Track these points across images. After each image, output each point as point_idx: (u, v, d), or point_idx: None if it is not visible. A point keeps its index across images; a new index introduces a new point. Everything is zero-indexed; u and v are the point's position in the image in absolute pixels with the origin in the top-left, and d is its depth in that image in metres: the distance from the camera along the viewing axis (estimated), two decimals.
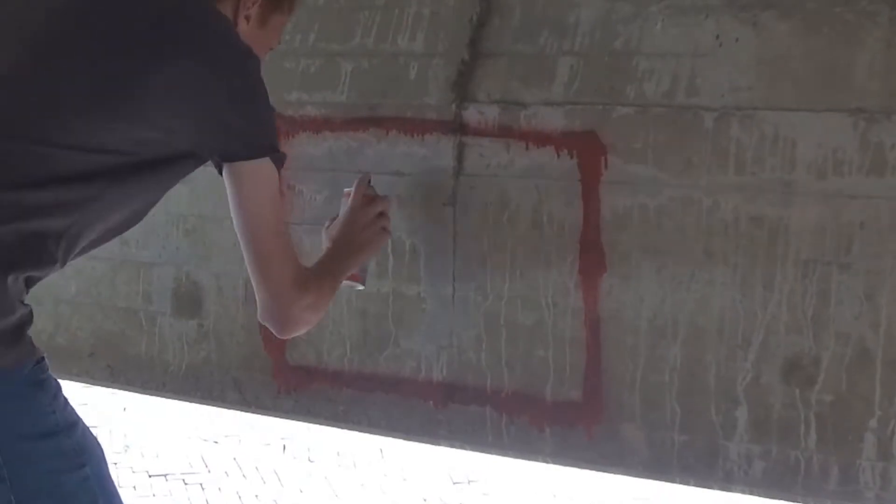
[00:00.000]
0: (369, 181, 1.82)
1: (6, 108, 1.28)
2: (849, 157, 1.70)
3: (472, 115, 1.97)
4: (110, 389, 2.33)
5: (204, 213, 2.22)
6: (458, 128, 1.98)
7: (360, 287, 1.87)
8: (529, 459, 2.04)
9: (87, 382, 2.44)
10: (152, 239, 2.28)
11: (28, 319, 1.32)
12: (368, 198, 1.80)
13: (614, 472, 1.96)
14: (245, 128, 1.42)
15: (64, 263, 1.37)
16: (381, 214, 1.77)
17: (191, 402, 2.38)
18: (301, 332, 1.56)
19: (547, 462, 2.01)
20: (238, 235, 1.50)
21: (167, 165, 1.44)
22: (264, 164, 1.45)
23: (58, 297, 2.38)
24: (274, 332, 1.57)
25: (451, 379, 2.03)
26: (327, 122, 2.09)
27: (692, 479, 1.86)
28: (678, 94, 1.80)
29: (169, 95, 1.33)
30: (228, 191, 1.48)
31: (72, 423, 1.30)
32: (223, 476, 4.35)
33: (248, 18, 1.55)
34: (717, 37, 1.78)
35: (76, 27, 1.33)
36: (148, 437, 4.56)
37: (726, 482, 1.83)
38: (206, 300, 2.26)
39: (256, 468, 4.48)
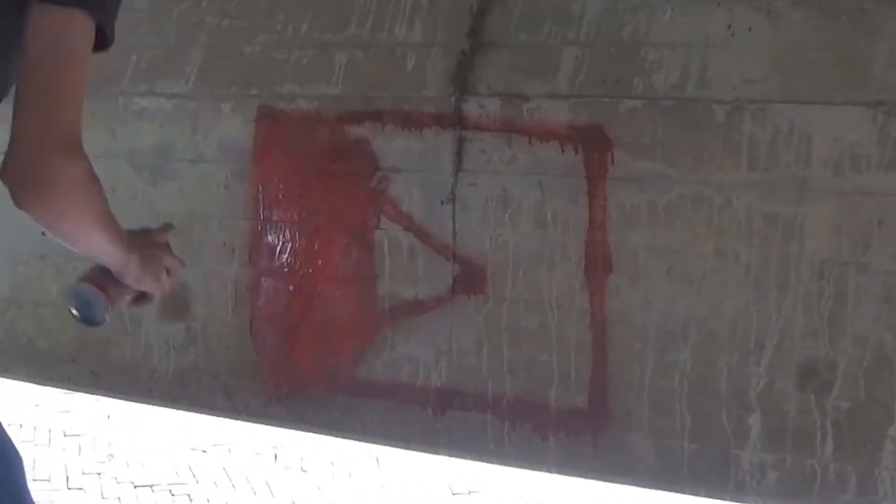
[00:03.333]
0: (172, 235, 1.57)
1: None
2: (867, 152, 1.70)
3: (472, 108, 1.97)
4: (94, 396, 2.33)
5: (192, 211, 2.22)
6: (458, 122, 1.98)
7: (97, 323, 1.47)
8: (533, 469, 2.05)
9: (70, 389, 2.44)
10: None
11: None
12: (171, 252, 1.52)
13: (621, 483, 1.96)
14: None
15: None
16: (171, 272, 1.49)
17: (178, 409, 2.38)
18: (42, 205, 1.22)
19: (551, 472, 2.01)
20: (24, 79, 1.22)
21: None
22: (75, 15, 1.22)
23: (38, 299, 2.38)
24: (13, 190, 1.21)
25: (450, 385, 2.03)
26: (321, 115, 2.10)
27: (703, 490, 1.86)
28: (688, 86, 1.80)
29: None
30: (29, 27, 1.22)
31: None
32: (212, 487, 4.35)
33: None
34: (730, 26, 1.78)
35: None
36: (133, 445, 4.56)
37: (738, 492, 1.83)
38: (194, 303, 2.26)
39: (247, 478, 4.48)
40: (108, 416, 4.39)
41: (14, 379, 2.60)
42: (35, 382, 2.53)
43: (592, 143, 1.88)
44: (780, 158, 1.75)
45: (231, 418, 2.31)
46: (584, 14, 1.87)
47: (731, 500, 1.85)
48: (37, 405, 4.27)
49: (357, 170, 2.06)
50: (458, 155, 1.98)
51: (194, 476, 4.43)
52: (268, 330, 2.20)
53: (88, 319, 1.47)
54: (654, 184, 1.84)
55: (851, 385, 1.73)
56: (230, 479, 4.44)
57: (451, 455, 2.10)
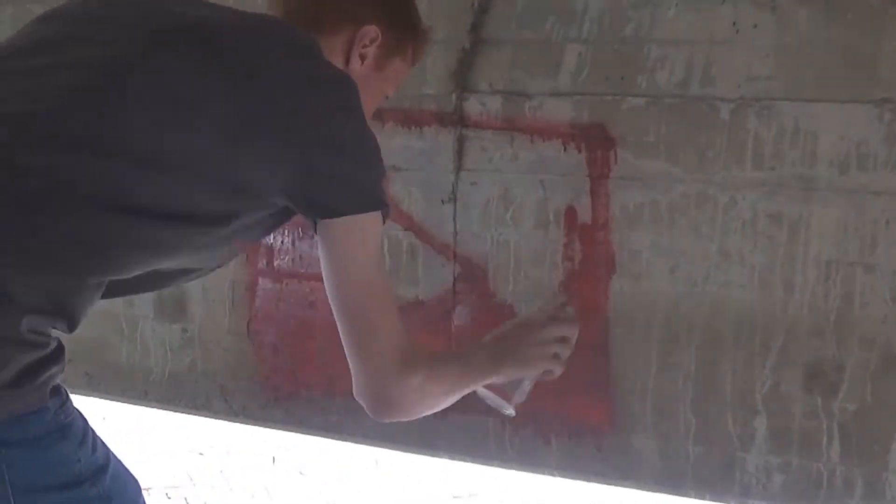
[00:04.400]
0: (565, 304, 1.59)
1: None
2: (873, 150, 1.70)
3: (473, 106, 1.97)
4: (89, 398, 2.33)
5: None
6: (459, 120, 1.98)
7: (510, 411, 1.57)
8: (534, 472, 2.05)
9: None
10: None
11: (49, 357, 1.22)
12: (556, 317, 1.55)
13: (625, 486, 1.96)
14: (350, 175, 1.27)
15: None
16: (564, 341, 1.51)
17: (174, 411, 2.38)
18: (402, 417, 1.35)
19: (553, 475, 2.01)
20: (331, 301, 1.31)
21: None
22: (369, 218, 1.27)
23: None
24: (370, 413, 1.35)
25: None
26: None
27: (707, 493, 1.86)
28: (692, 83, 1.80)
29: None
30: (321, 247, 1.28)
31: (98, 469, 1.25)
32: (209, 490, 4.35)
33: (362, 58, 1.43)
34: (734, 23, 1.78)
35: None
36: (129, 448, 4.57)
37: (744, 496, 1.83)
38: (191, 303, 2.26)
39: (245, 481, 4.49)
40: (104, 419, 4.38)
41: None
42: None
43: (595, 142, 1.88)
44: (785, 157, 1.75)
45: (229, 421, 2.31)
46: (586, 11, 1.87)
47: (737, 503, 1.85)
48: None
49: None
50: (459, 153, 1.98)
51: (191, 479, 4.43)
52: (266, 331, 2.21)
53: (500, 410, 1.58)
54: (658, 183, 1.84)
55: (858, 387, 1.73)
56: (228, 482, 4.44)
57: (451, 458, 2.10)
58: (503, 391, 1.55)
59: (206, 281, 2.23)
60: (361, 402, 1.34)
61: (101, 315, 2.34)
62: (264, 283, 2.19)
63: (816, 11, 1.72)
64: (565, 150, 1.90)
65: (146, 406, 2.40)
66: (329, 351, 2.15)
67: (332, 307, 1.30)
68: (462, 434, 2.03)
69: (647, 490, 1.94)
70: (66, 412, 1.24)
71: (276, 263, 2.17)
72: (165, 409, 2.38)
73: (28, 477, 1.18)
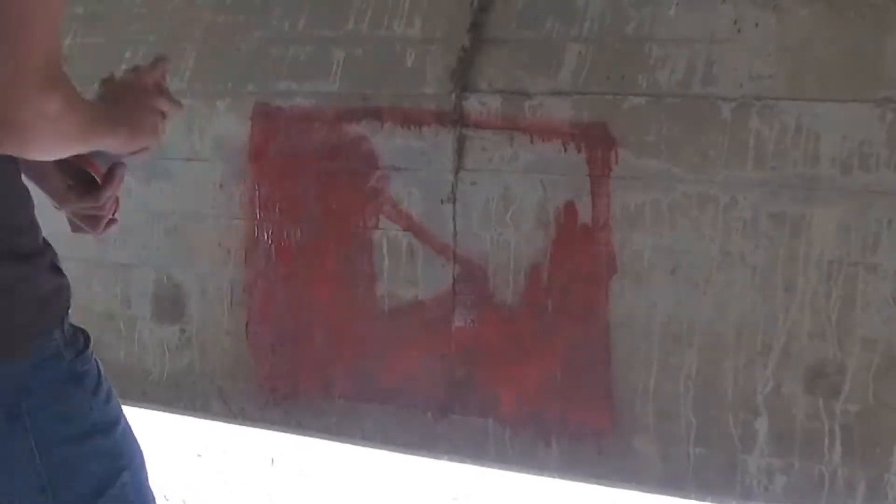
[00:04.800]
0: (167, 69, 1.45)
1: None
2: (876, 150, 1.70)
3: (473, 105, 1.97)
4: None
5: (185, 211, 2.22)
6: (459, 119, 1.98)
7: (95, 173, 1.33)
8: (535, 474, 2.04)
9: None
10: (131, 239, 2.28)
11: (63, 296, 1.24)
12: (160, 87, 1.40)
13: (626, 488, 1.96)
14: None
15: None
16: (164, 116, 1.37)
17: (172, 412, 2.38)
18: (23, 147, 1.12)
19: (553, 477, 2.01)
20: None
21: None
22: None
23: None
24: None
25: (451, 388, 2.03)
26: (318, 113, 2.09)
27: (709, 495, 1.86)
28: (694, 83, 1.80)
29: None
30: None
31: (111, 422, 1.27)
32: (207, 492, 4.35)
33: None
34: (736, 22, 1.77)
35: None
36: None
37: (745, 498, 1.83)
38: (189, 304, 2.26)
39: (242, 483, 4.48)
40: None
41: None
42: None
43: (596, 141, 1.88)
44: (787, 157, 1.75)
45: (227, 422, 2.31)
46: (587, 9, 1.87)
47: None
48: None
49: (355, 168, 2.06)
50: (459, 153, 1.98)
51: (189, 481, 4.43)
52: (264, 332, 2.20)
53: None
54: (659, 183, 1.83)
55: (860, 388, 1.73)
56: (226, 484, 4.44)
57: (451, 460, 2.10)
58: (91, 161, 1.33)
59: (204, 282, 2.24)
60: None
61: (99, 315, 2.35)
62: (263, 284, 2.19)
63: (818, 10, 1.72)
64: (566, 150, 1.90)
65: (144, 407, 2.40)
66: (328, 352, 2.14)
67: None
68: (462, 436, 2.03)
69: (649, 492, 1.94)
70: (83, 360, 1.26)
71: (274, 264, 2.17)
72: (163, 411, 2.38)
73: (48, 428, 1.19)
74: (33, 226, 1.25)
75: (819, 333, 1.75)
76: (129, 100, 1.34)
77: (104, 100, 1.33)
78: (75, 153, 1.23)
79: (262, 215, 2.17)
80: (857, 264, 1.72)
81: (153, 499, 1.34)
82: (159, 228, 2.27)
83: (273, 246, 2.17)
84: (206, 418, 2.34)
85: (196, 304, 2.25)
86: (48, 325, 1.23)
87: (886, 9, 1.68)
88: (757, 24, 1.76)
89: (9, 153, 1.13)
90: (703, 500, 1.88)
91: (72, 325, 1.28)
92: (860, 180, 1.71)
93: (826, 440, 1.76)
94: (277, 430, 2.25)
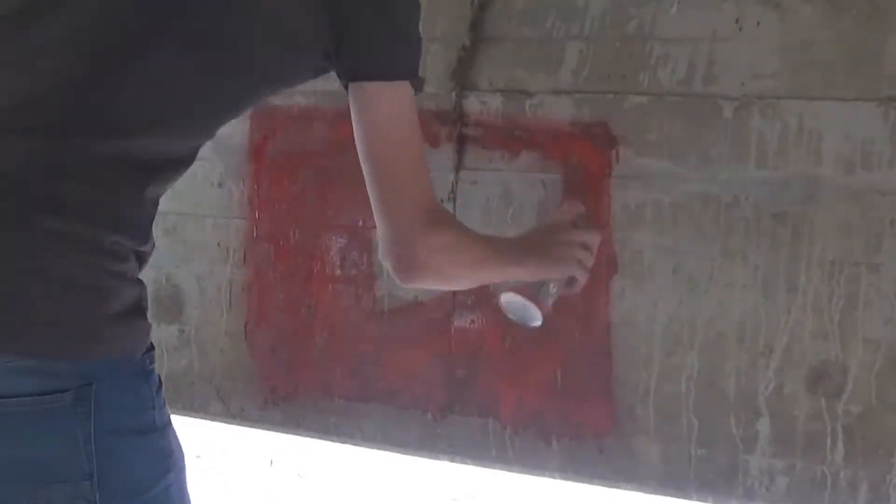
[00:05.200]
0: (585, 214, 1.63)
1: None
2: (879, 149, 1.69)
3: (473, 104, 1.97)
4: None
5: (184, 210, 2.22)
6: (459, 118, 1.98)
7: (537, 321, 1.58)
8: (536, 475, 2.04)
9: None
10: None
11: (143, 299, 1.33)
12: (577, 226, 1.58)
13: (627, 489, 1.96)
14: (389, 41, 1.32)
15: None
16: (585, 247, 1.54)
17: (171, 413, 2.37)
18: (425, 282, 1.36)
19: (554, 477, 2.01)
20: (361, 161, 1.33)
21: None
22: (402, 87, 1.33)
23: None
24: (394, 275, 1.34)
25: (450, 389, 2.03)
26: (318, 112, 2.09)
27: (710, 496, 1.86)
28: (695, 81, 1.80)
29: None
30: (353, 108, 1.32)
31: (166, 423, 1.30)
32: (207, 493, 4.35)
33: None
34: (737, 20, 1.77)
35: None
36: None
37: (747, 499, 1.83)
38: (187, 304, 2.26)
39: (242, 484, 4.49)
40: None
41: None
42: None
43: (596, 140, 1.87)
44: (789, 156, 1.75)
45: (226, 423, 2.31)
46: (588, 8, 1.87)
47: None
48: None
49: (355, 167, 2.05)
50: (459, 152, 1.98)
51: (188, 482, 4.43)
52: (263, 332, 2.20)
53: (525, 322, 1.59)
54: (660, 182, 1.83)
55: (863, 389, 1.73)
56: (225, 485, 4.44)
57: (451, 460, 2.10)
58: (529, 292, 1.54)
59: (203, 282, 2.24)
60: (386, 263, 1.34)
61: None
62: (262, 284, 2.19)
63: (821, 8, 1.72)
64: (566, 148, 1.90)
65: None
66: (328, 352, 2.14)
67: (363, 168, 1.32)
68: (462, 435, 2.03)
69: (650, 493, 1.94)
70: (151, 358, 1.30)
71: (273, 264, 2.17)
72: None
73: (111, 417, 1.21)
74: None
75: (821, 334, 1.75)
76: (543, 236, 1.55)
77: (519, 237, 1.55)
78: (487, 278, 1.49)
79: (260, 214, 2.17)
80: (859, 264, 1.72)
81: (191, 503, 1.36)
82: (157, 228, 2.25)
83: (272, 245, 2.17)
84: (204, 419, 2.34)
85: (194, 303, 2.25)
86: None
87: (890, 7, 1.68)
88: (759, 23, 1.76)
89: (414, 286, 1.37)
90: (705, 501, 1.88)
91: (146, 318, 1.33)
92: (863, 180, 1.71)
93: (828, 441, 1.76)
94: (277, 431, 2.25)
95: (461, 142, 1.97)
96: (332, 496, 4.40)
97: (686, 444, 1.85)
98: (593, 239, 1.55)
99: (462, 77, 1.97)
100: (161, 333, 2.29)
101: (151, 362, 1.30)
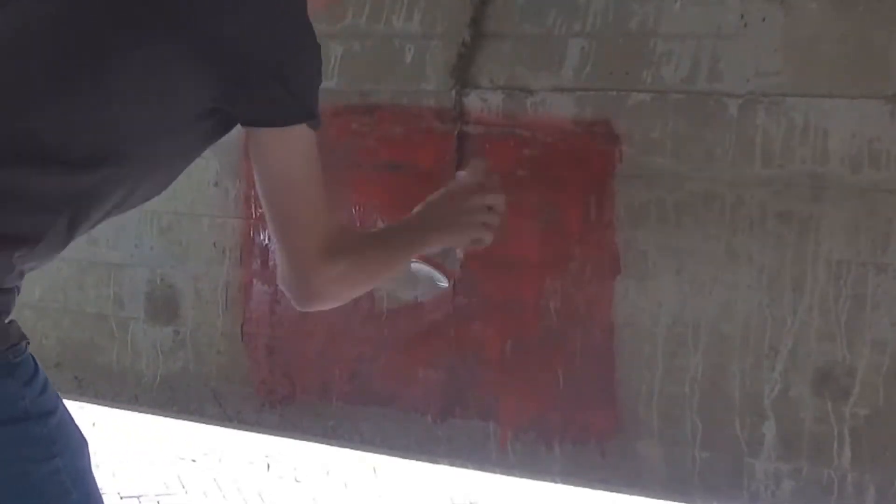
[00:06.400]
0: (490, 172, 1.61)
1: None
2: (886, 147, 1.69)
3: (473, 102, 1.97)
4: (78, 403, 2.32)
5: (180, 209, 2.22)
6: (459, 116, 1.98)
7: (443, 283, 1.62)
8: (537, 479, 2.04)
9: None
10: (123, 238, 2.28)
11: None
12: (482, 186, 1.57)
13: (630, 493, 1.96)
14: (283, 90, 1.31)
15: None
16: (491, 210, 1.55)
17: (166, 416, 2.38)
18: (325, 306, 1.43)
19: (556, 482, 2.01)
20: (261, 198, 1.39)
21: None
22: (295, 131, 1.34)
23: (21, 301, 2.37)
24: (294, 303, 1.42)
25: (451, 391, 2.03)
26: None
27: (715, 500, 1.86)
28: (699, 79, 1.80)
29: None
30: (251, 150, 1.36)
31: (46, 412, 1.31)
32: (202, 497, 4.35)
33: None
34: (742, 16, 1.77)
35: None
36: (119, 454, 4.56)
37: (752, 503, 1.83)
38: (183, 305, 2.26)
39: (238, 489, 4.49)
40: (94, 424, 4.38)
41: None
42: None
43: (599, 139, 1.87)
44: (795, 154, 1.75)
45: (222, 426, 2.31)
46: (590, 4, 1.87)
47: None
48: None
49: (354, 166, 2.06)
50: (460, 150, 1.98)
51: (183, 486, 4.43)
52: (260, 334, 2.20)
53: (432, 289, 1.65)
54: (664, 181, 1.83)
55: (870, 391, 1.73)
56: (221, 490, 4.44)
57: (451, 464, 2.10)
58: (435, 262, 1.59)
59: (199, 282, 2.23)
60: (285, 291, 1.41)
61: (91, 317, 2.34)
62: (258, 285, 2.19)
63: (826, 4, 1.72)
64: (568, 147, 1.90)
65: (137, 411, 2.40)
66: (326, 354, 2.14)
67: (262, 204, 1.38)
68: (462, 439, 2.03)
69: (654, 497, 1.94)
70: (16, 353, 1.32)
71: (270, 265, 2.17)
72: (157, 414, 2.38)
73: None
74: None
75: (828, 335, 1.75)
76: (445, 206, 1.56)
77: (420, 215, 1.56)
78: (392, 273, 1.52)
79: (257, 214, 2.17)
80: (866, 264, 1.72)
81: (95, 490, 1.37)
82: (153, 227, 2.26)
83: (269, 245, 2.17)
84: (200, 422, 2.34)
85: (190, 304, 2.25)
86: None
87: None
88: (764, 19, 1.76)
89: (315, 309, 1.42)
90: None
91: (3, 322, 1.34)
92: (870, 178, 1.71)
93: (835, 444, 1.76)
94: (274, 434, 2.25)
95: (462, 139, 1.97)
96: (330, 501, 4.40)
97: (690, 447, 1.85)
98: (497, 199, 1.56)
99: (463, 74, 1.97)
100: (156, 335, 2.29)
101: (16, 356, 1.32)
